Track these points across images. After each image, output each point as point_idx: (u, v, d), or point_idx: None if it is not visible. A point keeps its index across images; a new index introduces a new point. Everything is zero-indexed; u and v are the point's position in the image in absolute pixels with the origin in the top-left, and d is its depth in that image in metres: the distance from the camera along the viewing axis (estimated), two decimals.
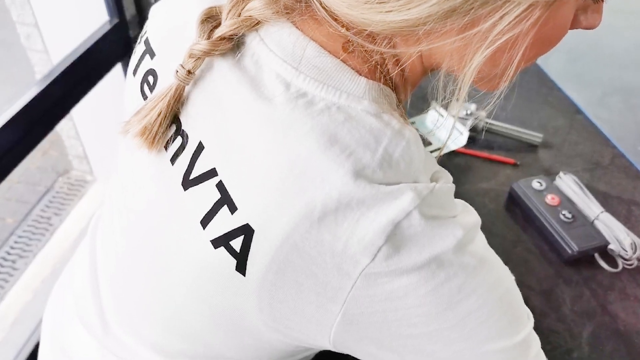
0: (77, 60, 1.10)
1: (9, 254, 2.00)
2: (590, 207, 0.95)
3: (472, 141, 1.13)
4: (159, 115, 0.41)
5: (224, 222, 0.38)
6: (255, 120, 0.38)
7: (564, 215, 0.92)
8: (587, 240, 0.89)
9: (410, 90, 0.46)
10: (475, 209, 0.97)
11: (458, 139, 0.94)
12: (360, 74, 0.40)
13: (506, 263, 0.89)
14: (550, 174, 1.06)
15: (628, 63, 3.22)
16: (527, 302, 0.84)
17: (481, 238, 0.41)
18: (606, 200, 1.01)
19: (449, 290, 0.36)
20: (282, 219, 0.35)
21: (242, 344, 0.45)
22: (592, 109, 2.70)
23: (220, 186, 0.38)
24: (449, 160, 1.07)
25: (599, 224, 0.93)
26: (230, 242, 0.38)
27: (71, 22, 1.47)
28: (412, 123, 0.99)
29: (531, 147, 1.13)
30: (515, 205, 0.99)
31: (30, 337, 1.40)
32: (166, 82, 0.42)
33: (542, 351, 0.43)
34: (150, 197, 0.46)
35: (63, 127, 2.09)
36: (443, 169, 0.43)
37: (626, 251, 0.89)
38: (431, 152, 0.93)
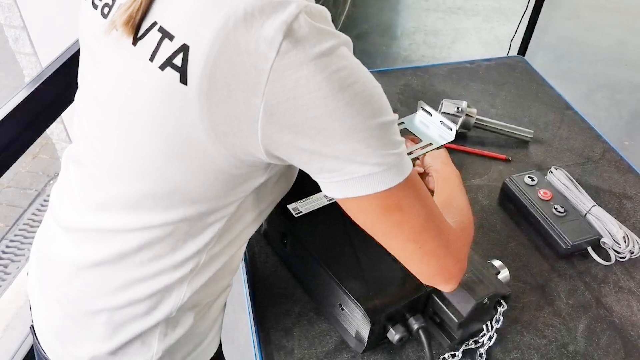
0: (66, 62, 1.09)
1: (0, 258, 1.98)
2: (582, 201, 0.96)
3: (463, 138, 1.14)
4: (140, 5, 0.51)
5: (166, 49, 0.49)
6: None
7: (556, 209, 0.93)
8: (580, 234, 0.90)
9: None
10: (470, 206, 0.98)
11: (446, 135, 0.95)
12: None
13: (501, 258, 0.90)
14: (541, 169, 1.07)
15: (612, 59, 3.26)
16: (522, 296, 0.85)
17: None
18: (598, 194, 1.03)
19: (340, 77, 0.47)
20: (207, 32, 0.46)
21: (192, 170, 0.53)
22: (578, 105, 2.72)
23: (160, 29, 0.50)
24: None
25: (591, 218, 0.94)
26: (173, 61, 0.48)
27: (59, 24, 1.45)
28: (401, 123, 0.99)
29: (522, 143, 1.14)
30: (508, 200, 1.00)
31: (23, 342, 1.38)
32: None
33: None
34: (113, 74, 0.55)
35: (53, 130, 2.07)
36: None
37: (619, 244, 0.90)
38: (421, 148, 0.93)
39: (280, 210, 0.80)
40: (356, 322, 0.72)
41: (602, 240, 0.90)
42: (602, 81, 3.05)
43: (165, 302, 0.61)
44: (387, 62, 3.16)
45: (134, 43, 0.52)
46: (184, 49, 0.48)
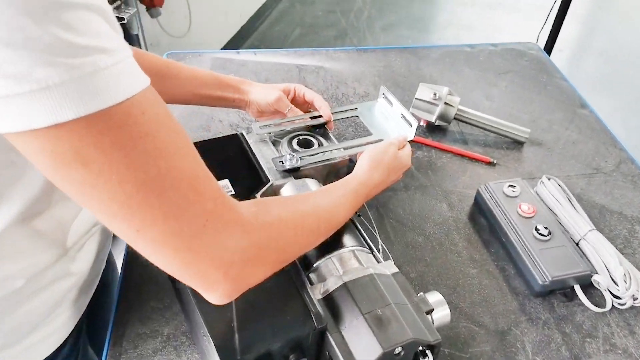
0: None
1: None
2: (577, 222, 0.72)
3: (442, 132, 0.92)
4: None
5: None
6: None
7: (537, 230, 0.70)
8: (566, 266, 0.67)
9: None
10: (431, 216, 0.76)
11: (405, 132, 0.74)
12: None
13: (454, 288, 0.68)
14: (533, 177, 0.84)
15: None
16: (472, 343, 0.64)
17: None
18: (602, 216, 0.79)
19: None
20: None
21: None
22: (620, 116, 2.42)
23: None
24: None
25: (585, 246, 0.70)
26: None
27: None
28: (354, 109, 0.80)
29: (516, 144, 0.91)
30: (480, 213, 0.77)
31: None
32: None
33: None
34: None
35: None
36: None
37: (617, 285, 0.66)
38: (370, 142, 0.73)
39: None
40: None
41: (594, 277, 0.67)
42: None
43: None
44: None
45: None
46: None
